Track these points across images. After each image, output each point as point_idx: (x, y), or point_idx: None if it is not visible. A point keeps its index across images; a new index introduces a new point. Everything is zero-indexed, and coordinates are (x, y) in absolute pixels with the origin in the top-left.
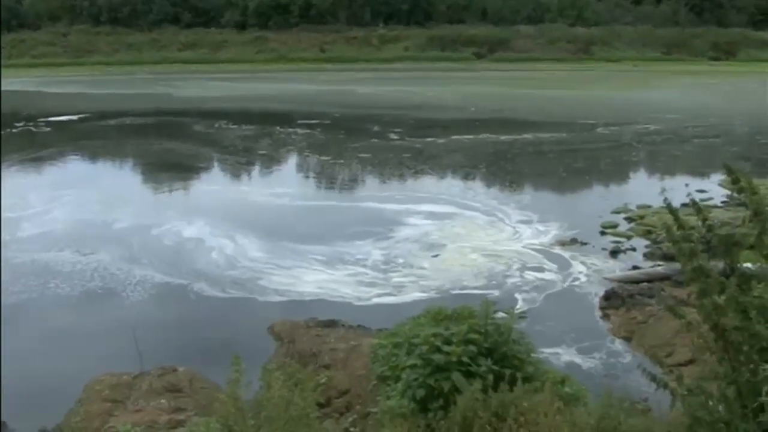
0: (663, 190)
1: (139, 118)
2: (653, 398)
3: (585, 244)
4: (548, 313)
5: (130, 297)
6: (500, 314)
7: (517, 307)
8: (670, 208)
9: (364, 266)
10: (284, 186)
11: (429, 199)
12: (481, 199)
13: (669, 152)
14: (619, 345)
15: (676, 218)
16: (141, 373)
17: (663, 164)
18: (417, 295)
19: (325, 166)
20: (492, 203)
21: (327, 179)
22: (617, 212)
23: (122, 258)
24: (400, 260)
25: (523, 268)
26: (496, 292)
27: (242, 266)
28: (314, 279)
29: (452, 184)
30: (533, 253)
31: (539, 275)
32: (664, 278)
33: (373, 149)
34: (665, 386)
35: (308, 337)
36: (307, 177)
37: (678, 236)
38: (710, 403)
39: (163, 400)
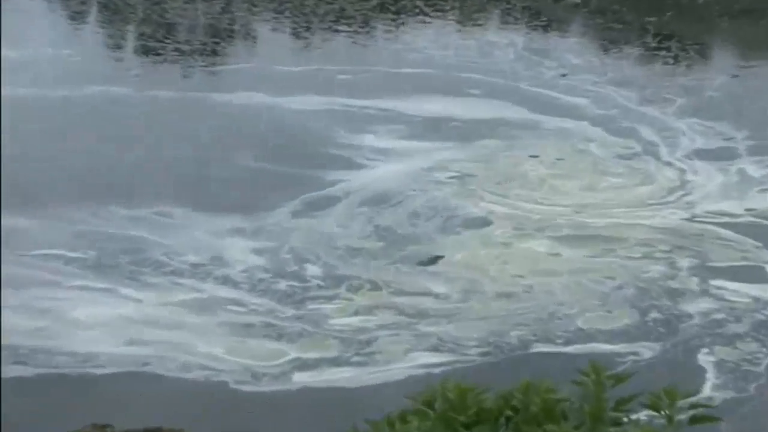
0: None
1: None
2: None
3: None
4: None
5: None
6: (640, 415)
7: (701, 395)
8: None
9: (242, 281)
10: None
11: (425, 82)
12: (582, 82)
13: None
14: None
15: None
16: None
17: None
18: (401, 363)
19: None
20: (614, 96)
21: (113, 27)
22: None
23: None
24: (348, 261)
25: (707, 274)
26: (626, 349)
27: None
28: (96, 314)
29: (494, 44)
30: (737, 237)
31: (759, 297)
32: None
33: None
34: None
35: None
36: (55, 18)
37: None
38: None
39: None
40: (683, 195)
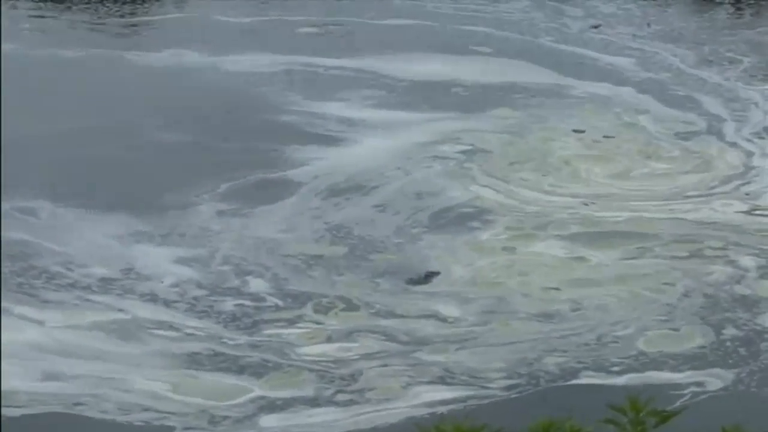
0: None
1: None
2: None
3: None
4: None
5: None
6: None
7: None
8: None
9: (173, 299)
10: None
11: (416, 36)
12: (619, 36)
13: None
14: None
15: None
16: None
17: None
18: (399, 401)
19: None
20: (663, 54)
21: None
22: None
23: None
24: (305, 273)
25: None
26: (691, 378)
27: None
28: None
29: None
30: None
31: None
32: None
33: None
34: None
35: None
36: None
37: None
38: None
39: None
40: (742, 184)
